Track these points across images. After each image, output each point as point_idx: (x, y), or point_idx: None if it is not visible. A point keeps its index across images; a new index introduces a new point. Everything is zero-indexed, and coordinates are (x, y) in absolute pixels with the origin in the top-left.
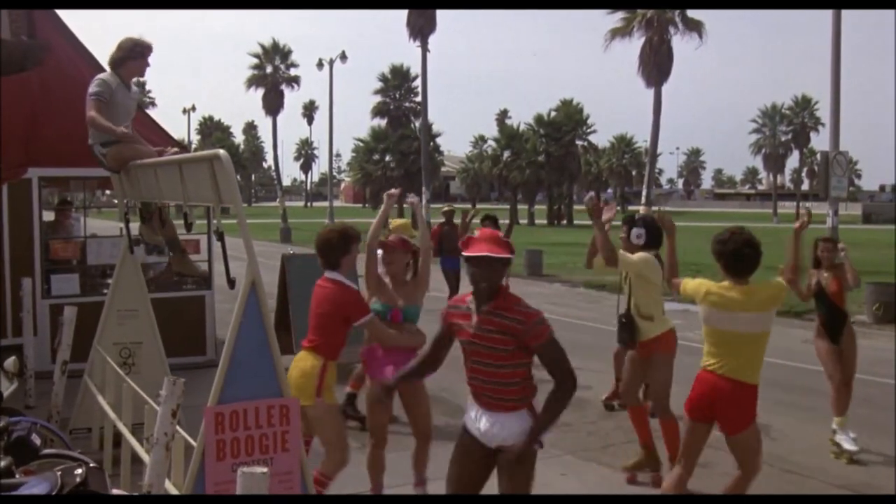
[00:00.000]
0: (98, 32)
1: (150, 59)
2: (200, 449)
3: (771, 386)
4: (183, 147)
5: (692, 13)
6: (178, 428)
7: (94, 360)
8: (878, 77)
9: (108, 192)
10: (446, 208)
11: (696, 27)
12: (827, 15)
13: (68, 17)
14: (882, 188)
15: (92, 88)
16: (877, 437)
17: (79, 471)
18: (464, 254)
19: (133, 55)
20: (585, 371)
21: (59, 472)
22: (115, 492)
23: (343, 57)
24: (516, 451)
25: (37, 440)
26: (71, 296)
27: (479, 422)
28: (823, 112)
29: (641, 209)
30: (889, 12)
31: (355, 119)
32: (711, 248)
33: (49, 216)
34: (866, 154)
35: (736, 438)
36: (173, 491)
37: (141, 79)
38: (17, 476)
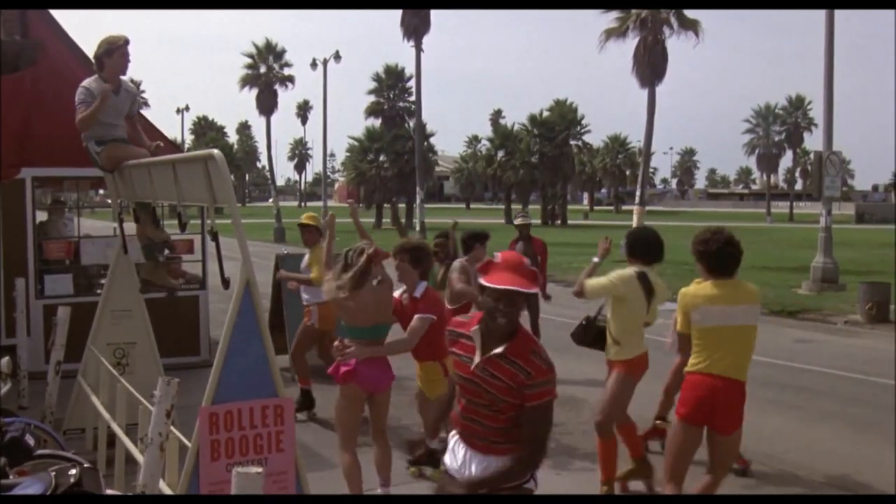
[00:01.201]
0: (92, 32)
1: (130, 52)
2: (195, 449)
3: (764, 385)
4: (168, 142)
5: (688, 12)
6: (172, 428)
7: (88, 360)
8: (872, 77)
9: (101, 191)
10: (520, 220)
11: (692, 26)
12: (820, 15)
13: (62, 16)
14: (875, 188)
15: (76, 98)
16: (867, 434)
17: (73, 471)
18: (484, 282)
19: (108, 54)
20: (579, 372)
21: (53, 473)
22: (109, 492)
23: (337, 57)
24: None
25: (30, 441)
26: (64, 296)
27: (469, 466)
28: (817, 112)
29: (636, 209)
30: (882, 13)
31: (349, 119)
32: (693, 249)
33: (42, 216)
34: (859, 154)
35: (728, 438)
36: (167, 491)
37: (131, 77)
38: (11, 477)
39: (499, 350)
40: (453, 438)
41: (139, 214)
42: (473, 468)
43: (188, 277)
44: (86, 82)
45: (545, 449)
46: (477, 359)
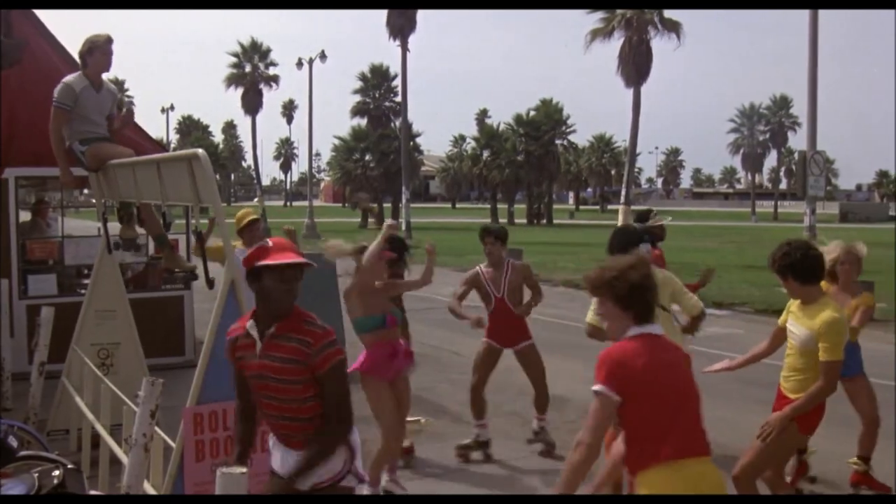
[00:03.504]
0: (77, 32)
1: (114, 50)
2: (179, 450)
3: (750, 384)
4: (152, 142)
5: (670, 14)
6: (156, 429)
7: (72, 360)
8: (856, 77)
9: (86, 191)
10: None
11: (673, 28)
12: (804, 15)
13: (47, 17)
14: (859, 187)
15: (55, 95)
16: (855, 430)
17: (56, 472)
18: (262, 263)
19: (91, 52)
20: (565, 371)
21: (36, 474)
22: (93, 493)
23: (323, 56)
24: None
25: (14, 442)
26: (48, 296)
27: (288, 463)
28: (800, 112)
29: (621, 208)
30: (865, 13)
31: (335, 118)
32: (775, 266)
33: (25, 216)
34: (843, 153)
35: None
36: (152, 492)
37: (116, 76)
38: None
39: (272, 330)
40: (271, 441)
41: (123, 214)
42: (291, 464)
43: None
44: (68, 79)
45: (350, 420)
46: (258, 348)
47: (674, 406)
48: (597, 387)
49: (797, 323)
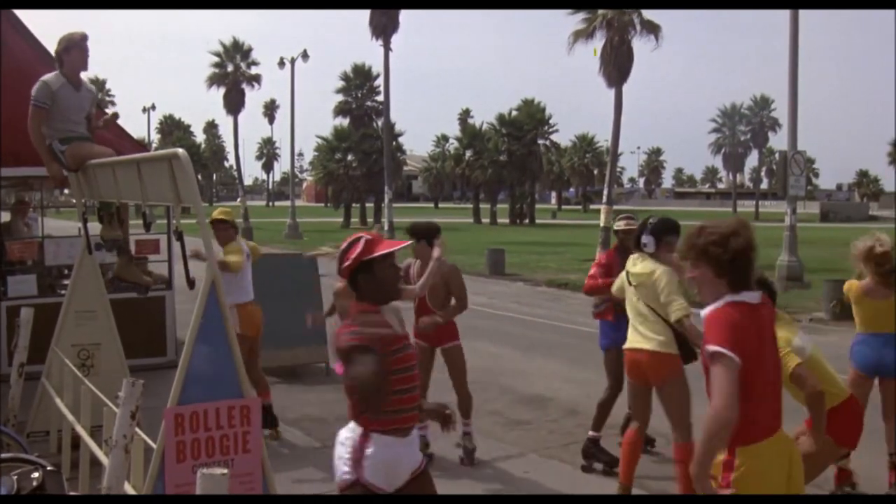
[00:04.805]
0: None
1: (90, 48)
2: (160, 451)
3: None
4: (133, 141)
5: (650, 15)
6: (137, 430)
7: (52, 362)
8: (836, 78)
9: (66, 191)
10: (622, 223)
11: (653, 29)
12: (785, 16)
13: (26, 16)
14: (839, 187)
15: (32, 94)
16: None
17: (35, 474)
18: (379, 254)
19: (67, 50)
20: (548, 370)
21: (15, 477)
22: (73, 494)
23: (305, 56)
24: None
25: None
26: (28, 297)
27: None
28: (781, 112)
29: (603, 208)
30: (847, 14)
31: (317, 118)
32: (874, 259)
33: (4, 216)
34: (824, 153)
35: None
36: (132, 493)
37: (96, 76)
38: None
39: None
40: (387, 442)
41: (104, 214)
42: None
43: (155, 277)
44: (45, 77)
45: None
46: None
47: (774, 379)
48: (716, 347)
49: None
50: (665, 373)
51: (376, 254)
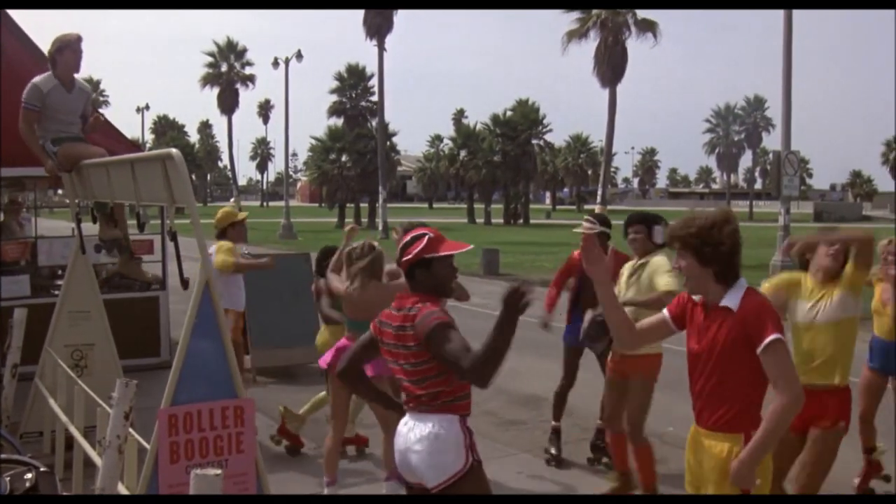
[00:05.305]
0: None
1: (83, 49)
2: (154, 451)
3: None
4: (127, 142)
5: (645, 14)
6: (131, 430)
7: (46, 362)
8: (830, 78)
9: (59, 191)
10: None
11: (649, 28)
12: (779, 16)
13: (20, 17)
14: (833, 187)
15: (23, 96)
16: None
17: (29, 475)
18: (444, 253)
19: (60, 51)
20: (541, 370)
21: (8, 478)
22: (66, 495)
23: (299, 56)
24: None
25: None
26: (21, 297)
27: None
28: (775, 112)
29: (597, 208)
30: (841, 14)
31: (311, 118)
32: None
33: None
34: (817, 154)
35: None
36: (126, 494)
37: (91, 76)
38: None
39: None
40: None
41: (98, 215)
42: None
43: (149, 277)
44: (37, 79)
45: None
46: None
47: None
48: (776, 335)
49: None
50: (645, 369)
51: (440, 253)
